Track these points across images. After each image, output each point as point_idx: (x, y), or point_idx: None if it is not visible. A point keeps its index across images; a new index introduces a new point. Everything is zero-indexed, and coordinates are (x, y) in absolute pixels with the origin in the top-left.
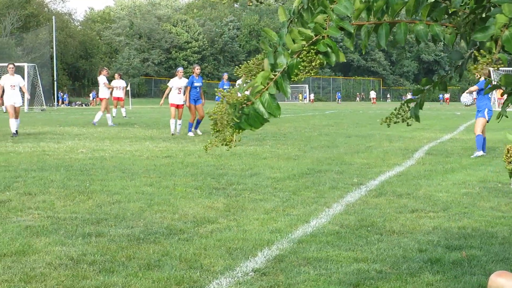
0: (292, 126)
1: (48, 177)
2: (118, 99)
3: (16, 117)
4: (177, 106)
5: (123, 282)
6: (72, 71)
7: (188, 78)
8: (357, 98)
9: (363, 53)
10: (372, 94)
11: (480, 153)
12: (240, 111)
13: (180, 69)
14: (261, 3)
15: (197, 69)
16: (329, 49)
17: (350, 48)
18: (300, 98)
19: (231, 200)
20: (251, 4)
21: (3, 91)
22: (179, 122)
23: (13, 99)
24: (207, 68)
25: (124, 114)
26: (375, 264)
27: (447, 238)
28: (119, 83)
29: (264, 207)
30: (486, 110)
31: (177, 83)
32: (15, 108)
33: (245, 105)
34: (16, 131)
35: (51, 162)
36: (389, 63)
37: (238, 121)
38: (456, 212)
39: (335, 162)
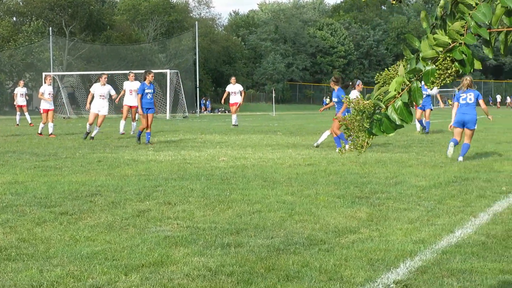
0: (440, 133)
1: (188, 186)
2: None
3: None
4: None
5: None
6: (216, 76)
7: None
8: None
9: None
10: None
11: None
12: (370, 118)
13: None
14: (400, 2)
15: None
16: (464, 57)
17: (489, 56)
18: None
19: (374, 209)
20: (394, 2)
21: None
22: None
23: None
24: (353, 73)
25: None
26: None
27: None
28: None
29: (408, 216)
30: None
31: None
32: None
33: (377, 111)
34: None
35: (191, 171)
36: None
37: (368, 127)
38: None
39: (483, 169)
